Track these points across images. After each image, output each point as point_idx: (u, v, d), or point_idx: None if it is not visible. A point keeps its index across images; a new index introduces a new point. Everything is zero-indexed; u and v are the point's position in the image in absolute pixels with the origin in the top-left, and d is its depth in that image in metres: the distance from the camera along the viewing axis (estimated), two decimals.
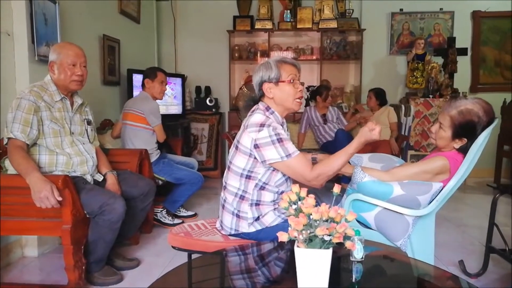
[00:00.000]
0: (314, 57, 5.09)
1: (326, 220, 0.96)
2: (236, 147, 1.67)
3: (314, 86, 4.88)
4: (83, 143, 2.20)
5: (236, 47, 5.15)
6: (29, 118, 1.96)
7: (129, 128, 3.07)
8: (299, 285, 1.00)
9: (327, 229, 0.92)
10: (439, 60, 4.73)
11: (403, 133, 4.37)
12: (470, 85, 5.06)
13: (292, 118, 4.91)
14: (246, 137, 1.61)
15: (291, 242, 1.01)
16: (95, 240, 2.06)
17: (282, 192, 1.71)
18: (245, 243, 1.62)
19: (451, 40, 4.72)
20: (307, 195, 1.03)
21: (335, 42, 5.06)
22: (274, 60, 1.70)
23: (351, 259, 1.34)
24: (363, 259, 1.34)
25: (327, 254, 0.96)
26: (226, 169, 1.75)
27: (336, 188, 1.08)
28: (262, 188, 1.67)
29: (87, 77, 2.19)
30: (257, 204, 1.68)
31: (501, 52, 5.03)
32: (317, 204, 1.01)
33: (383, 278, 1.39)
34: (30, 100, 1.98)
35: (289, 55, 5.10)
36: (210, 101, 5.00)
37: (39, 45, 2.54)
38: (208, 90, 5.11)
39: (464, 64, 4.89)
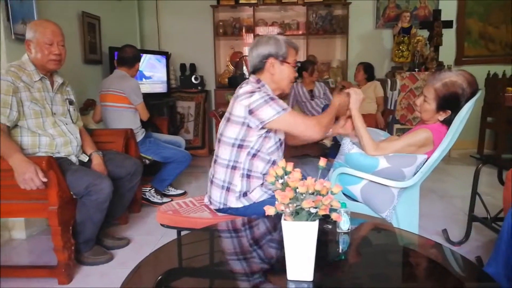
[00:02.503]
0: (300, 32, 5.03)
1: (312, 193, 0.97)
2: (228, 119, 1.68)
3: (300, 62, 4.83)
4: (66, 124, 2.16)
5: (221, 23, 5.05)
6: (8, 100, 1.90)
7: (110, 110, 3.00)
8: (286, 257, 1.02)
9: (313, 201, 0.93)
10: (425, 33, 4.73)
11: (389, 107, 4.39)
12: (455, 58, 5.09)
13: (279, 95, 4.88)
14: (238, 107, 1.62)
15: (279, 216, 1.01)
16: (83, 220, 2.05)
17: (273, 162, 1.73)
18: (232, 218, 1.63)
19: (437, 12, 4.70)
20: (293, 170, 1.03)
21: (321, 17, 5.00)
22: (283, 39, 1.71)
23: (338, 230, 1.36)
24: (349, 231, 1.37)
25: (314, 226, 0.97)
26: (217, 143, 1.76)
27: (322, 162, 1.09)
28: (254, 155, 1.68)
29: (65, 56, 2.13)
30: (248, 176, 1.69)
31: (485, 24, 5.04)
32: (304, 178, 1.02)
33: (369, 248, 1.42)
34: (7, 81, 1.92)
35: (274, 30, 5.03)
36: (196, 78, 4.93)
37: (15, 22, 2.45)
38: (193, 67, 5.03)
39: (449, 37, 4.90)
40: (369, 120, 4.03)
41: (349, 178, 1.87)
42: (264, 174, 1.72)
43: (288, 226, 0.97)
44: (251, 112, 1.59)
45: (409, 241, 1.50)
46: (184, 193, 3.40)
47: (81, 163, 2.20)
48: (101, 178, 2.03)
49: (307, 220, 0.97)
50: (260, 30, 5.03)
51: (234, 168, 1.68)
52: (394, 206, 1.84)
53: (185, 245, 1.39)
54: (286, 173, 1.04)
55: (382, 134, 2.25)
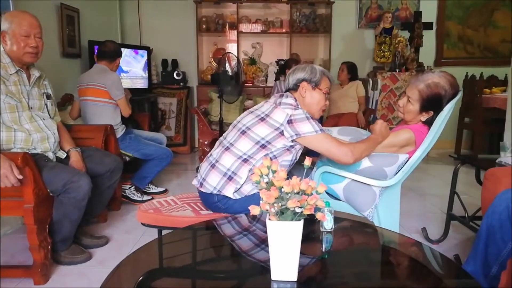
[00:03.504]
0: (284, 30, 5.03)
1: (297, 193, 0.96)
2: (262, 119, 1.70)
3: (284, 60, 4.84)
4: (43, 119, 2.09)
5: (204, 19, 5.00)
6: None
7: (90, 104, 2.92)
8: (271, 257, 1.00)
9: (298, 201, 0.92)
10: (406, 34, 4.80)
11: (370, 106, 4.44)
12: (434, 59, 5.19)
13: (262, 93, 4.88)
14: (279, 112, 1.68)
15: (263, 214, 1.00)
16: (60, 219, 1.99)
17: None
18: (216, 217, 1.61)
19: (418, 14, 4.78)
20: (278, 169, 1.02)
21: (305, 15, 5.01)
22: (319, 69, 1.82)
23: (321, 229, 1.37)
24: (333, 230, 1.37)
25: (299, 226, 0.96)
26: (236, 131, 1.75)
27: (307, 161, 1.08)
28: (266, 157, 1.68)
29: (43, 48, 2.05)
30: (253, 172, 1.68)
31: (464, 27, 5.16)
32: (288, 177, 1.01)
33: (352, 248, 1.43)
34: None
35: (258, 27, 5.02)
36: (178, 74, 4.86)
37: None
38: (175, 63, 4.96)
39: (429, 39, 4.99)
40: (351, 119, 4.08)
41: (332, 177, 1.87)
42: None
43: (273, 226, 0.96)
44: (290, 122, 1.65)
45: (391, 240, 1.52)
46: (165, 191, 3.36)
47: (59, 159, 2.14)
48: (79, 175, 1.97)
49: (292, 220, 0.97)
50: (244, 27, 5.01)
51: (245, 161, 1.68)
52: (376, 205, 1.86)
53: (167, 245, 1.36)
54: (271, 172, 1.03)
55: (364, 133, 2.26)
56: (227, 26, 5.01)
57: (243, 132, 1.71)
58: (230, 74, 3.73)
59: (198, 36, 4.95)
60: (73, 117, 3.08)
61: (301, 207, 0.94)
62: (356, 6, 5.09)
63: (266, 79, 5.05)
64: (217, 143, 1.84)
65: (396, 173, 1.82)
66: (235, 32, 4.95)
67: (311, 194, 0.99)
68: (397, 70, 4.63)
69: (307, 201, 0.92)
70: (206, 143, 4.09)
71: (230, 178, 1.68)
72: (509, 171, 1.73)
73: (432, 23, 4.93)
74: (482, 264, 1.46)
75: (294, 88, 1.82)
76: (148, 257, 1.25)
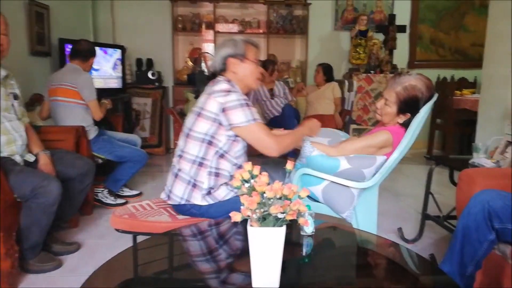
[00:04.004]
0: (261, 31, 5.02)
1: (280, 198, 0.93)
2: (199, 114, 1.65)
3: (261, 61, 4.81)
4: (10, 120, 1.98)
5: (180, 18, 4.92)
6: None
7: (60, 105, 2.81)
8: (252, 264, 0.98)
9: (281, 207, 0.90)
10: (380, 37, 4.87)
11: (346, 107, 4.49)
12: (408, 62, 5.30)
13: (247, 93, 4.83)
14: (212, 102, 1.61)
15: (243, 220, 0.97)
16: (29, 225, 1.90)
17: (240, 166, 1.71)
18: (194, 222, 1.57)
19: (392, 17, 4.87)
20: (260, 173, 0.99)
21: (282, 16, 5.01)
22: (241, 39, 1.75)
23: (302, 233, 1.35)
24: (313, 233, 1.35)
25: (281, 232, 0.94)
26: (183, 137, 1.71)
27: (289, 165, 1.06)
28: (221, 156, 1.66)
29: (9, 46, 1.95)
30: (216, 174, 1.66)
31: (436, 30, 5.30)
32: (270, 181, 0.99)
33: (332, 250, 1.43)
34: None
35: (235, 28, 4.98)
36: (153, 74, 4.76)
37: None
38: (150, 63, 4.86)
39: (402, 41, 5.09)
40: (328, 121, 4.10)
41: (311, 179, 1.87)
42: (231, 175, 1.70)
43: (255, 233, 0.93)
44: (224, 110, 1.59)
45: (370, 242, 1.52)
46: (140, 194, 3.27)
47: (27, 163, 2.04)
48: (48, 180, 1.88)
49: (274, 225, 0.94)
50: (220, 27, 4.96)
51: (201, 164, 1.64)
52: (354, 207, 1.86)
53: (143, 252, 1.30)
54: (252, 176, 1.00)
55: (342, 135, 2.28)
56: (203, 26, 4.94)
57: (188, 135, 1.67)
58: (206, 74, 3.68)
59: (174, 35, 4.87)
60: (42, 117, 2.96)
61: (283, 213, 0.92)
62: (332, 8, 5.14)
63: None
64: (175, 151, 1.80)
65: (374, 175, 1.83)
66: (211, 32, 4.89)
67: (293, 198, 0.96)
68: (372, 71, 4.70)
69: (290, 206, 0.90)
70: None
71: (194, 186, 1.65)
72: (483, 172, 1.77)
73: (405, 26, 5.03)
74: (458, 264, 1.48)
75: (223, 67, 1.74)
76: (123, 265, 1.20)
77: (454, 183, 2.37)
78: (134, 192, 3.25)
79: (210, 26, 4.91)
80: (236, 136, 1.66)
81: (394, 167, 1.87)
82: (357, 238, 1.56)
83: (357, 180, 1.82)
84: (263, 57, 5.04)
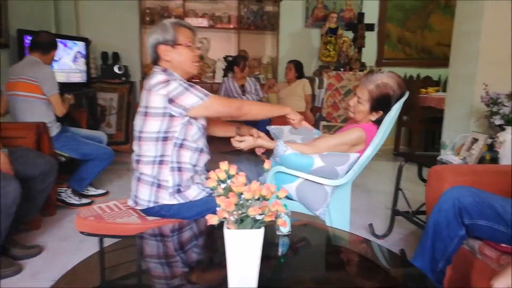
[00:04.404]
0: (232, 26, 4.95)
1: (258, 199, 0.89)
2: (145, 114, 1.55)
3: (232, 56, 4.76)
4: None
5: (148, 11, 4.77)
6: None
7: (20, 100, 2.64)
8: (228, 266, 0.94)
9: (259, 208, 0.86)
10: (350, 35, 4.93)
11: (316, 104, 4.52)
12: (376, 60, 5.40)
13: (210, 89, 4.77)
14: (155, 98, 1.51)
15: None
16: None
17: (201, 150, 1.65)
18: (164, 223, 1.51)
19: (361, 15, 4.94)
20: (237, 173, 0.95)
21: (253, 12, 4.97)
22: (170, 22, 1.61)
23: (278, 233, 1.32)
24: (289, 233, 1.33)
25: (259, 234, 0.90)
26: (136, 141, 1.61)
27: (267, 164, 1.03)
28: (180, 146, 1.58)
29: None
30: (179, 169, 1.59)
31: (403, 29, 5.43)
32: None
33: (308, 249, 1.41)
34: None
35: (204, 22, 4.88)
36: (119, 68, 4.59)
37: None
38: (116, 56, 4.68)
39: (371, 39, 5.18)
40: None
41: (285, 177, 1.84)
42: (193, 165, 1.63)
43: (232, 235, 0.89)
44: (171, 100, 1.50)
45: (344, 240, 1.53)
46: (106, 193, 3.14)
47: None
48: (6, 180, 1.76)
49: (252, 227, 0.90)
50: (189, 21, 4.84)
51: (161, 162, 1.57)
52: (328, 204, 1.86)
53: (111, 256, 1.23)
54: (229, 176, 0.95)
55: (315, 132, 2.27)
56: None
57: (140, 138, 1.58)
58: None
59: (142, 28, 4.72)
60: (0, 113, 2.77)
61: (261, 214, 0.88)
62: (302, 5, 5.15)
63: (214, 75, 4.95)
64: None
65: (347, 172, 1.83)
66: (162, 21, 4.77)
67: (271, 199, 0.93)
68: (341, 69, 4.75)
69: (269, 207, 0.86)
70: None
71: (159, 186, 1.57)
72: (451, 168, 1.81)
73: (373, 24, 5.11)
74: (429, 260, 1.50)
75: (155, 56, 1.62)
76: (90, 271, 1.12)
77: (423, 179, 2.43)
78: (100, 191, 3.12)
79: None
80: (190, 118, 1.57)
81: (366, 164, 1.88)
82: (332, 236, 1.57)
83: (331, 178, 1.81)
84: (233, 52, 4.98)
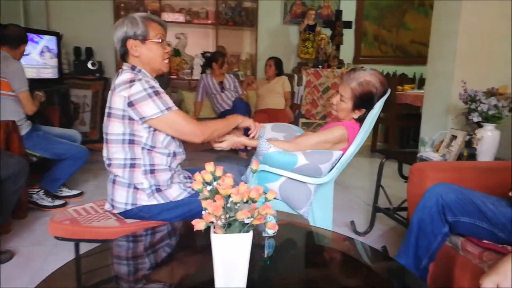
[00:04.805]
0: (209, 22, 4.87)
1: (246, 202, 0.86)
2: (109, 114, 1.47)
3: (210, 52, 4.69)
4: None
5: (122, 5, 4.62)
6: None
7: None
8: (216, 272, 0.90)
9: (248, 211, 0.82)
10: (328, 32, 4.95)
11: (295, 101, 4.51)
12: (353, 57, 5.45)
13: (188, 86, 4.69)
14: (117, 99, 1.43)
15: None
16: None
17: (174, 154, 1.58)
18: (145, 226, 1.45)
19: (338, 13, 4.96)
20: (223, 175, 0.91)
21: (231, 7, 4.90)
22: (140, 16, 1.53)
23: (264, 234, 1.29)
24: (275, 234, 1.30)
25: (248, 237, 0.87)
26: (105, 144, 1.53)
27: (254, 165, 0.99)
28: (150, 151, 1.51)
29: None
30: (152, 171, 1.51)
31: (380, 27, 5.49)
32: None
33: (294, 250, 1.40)
34: None
35: (181, 18, 4.79)
36: (93, 64, 4.44)
37: None
38: (89, 51, 4.52)
39: (348, 37, 5.21)
40: (280, 115, 4.10)
41: (268, 176, 1.81)
42: (170, 166, 1.57)
43: (220, 240, 0.85)
44: (131, 104, 1.41)
45: (328, 239, 1.52)
46: (81, 194, 3.03)
47: None
48: None
49: (240, 231, 0.86)
50: (165, 16, 4.73)
51: (133, 166, 1.49)
52: (311, 202, 1.84)
53: (89, 262, 1.17)
54: (215, 178, 0.91)
55: (297, 129, 2.25)
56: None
57: (107, 141, 1.51)
58: None
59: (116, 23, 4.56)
60: None
61: (250, 217, 0.85)
62: (281, 1, 5.12)
63: (192, 71, 4.86)
64: None
65: (330, 170, 1.82)
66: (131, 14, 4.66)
67: (259, 201, 0.90)
68: (320, 66, 4.76)
69: (259, 211, 0.83)
70: None
71: (135, 188, 1.51)
72: (433, 165, 1.82)
73: (351, 22, 5.15)
74: (413, 257, 1.50)
75: (123, 51, 1.53)
76: (66, 280, 1.06)
77: (403, 176, 2.45)
78: (74, 192, 3.00)
79: (156, 15, 4.66)
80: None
81: (349, 162, 1.87)
82: (316, 235, 1.56)
83: (314, 176, 1.80)
84: (211, 49, 4.91)
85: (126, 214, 1.54)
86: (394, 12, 5.43)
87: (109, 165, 1.53)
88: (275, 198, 1.81)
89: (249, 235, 0.87)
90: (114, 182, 1.53)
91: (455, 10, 2.36)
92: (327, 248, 1.45)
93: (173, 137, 1.56)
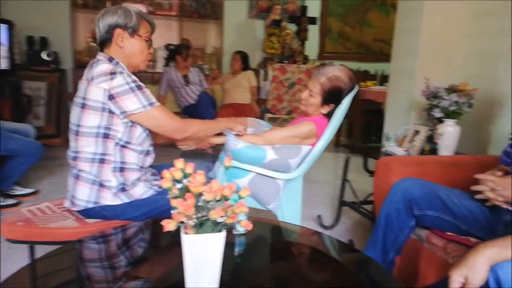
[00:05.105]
0: (173, 13, 4.73)
1: (219, 200, 0.82)
2: (83, 106, 1.39)
3: (173, 45, 4.56)
4: None
5: None
6: None
7: None
8: (186, 274, 0.85)
9: (222, 210, 0.78)
10: (293, 28, 4.96)
11: (261, 97, 4.50)
12: (318, 53, 5.50)
13: (151, 79, 4.53)
14: (95, 90, 1.36)
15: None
16: None
17: (147, 153, 1.53)
18: (106, 226, 1.37)
19: (304, 8, 4.98)
20: (195, 172, 0.86)
21: None
22: (134, 10, 1.50)
23: (234, 232, 1.25)
24: (246, 231, 1.27)
25: (221, 237, 0.83)
26: (72, 136, 1.45)
27: (227, 161, 0.95)
28: (124, 147, 1.44)
29: None
30: (122, 169, 1.44)
31: (343, 24, 5.57)
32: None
33: (264, 247, 1.38)
34: None
35: (142, 8, 4.60)
36: (48, 55, 4.18)
37: None
38: (44, 41, 4.26)
39: (313, 33, 5.25)
40: (246, 110, 4.07)
41: (236, 172, 1.78)
42: (141, 167, 1.51)
43: (191, 241, 0.81)
44: (112, 97, 1.35)
45: (298, 234, 1.53)
46: (35, 192, 2.84)
47: None
48: None
49: (212, 231, 0.82)
50: (128, 6, 4.54)
51: (102, 161, 1.42)
52: (280, 198, 1.83)
53: (46, 266, 1.08)
54: (185, 175, 0.86)
55: (265, 124, 2.23)
56: (108, 4, 4.49)
57: (77, 133, 1.42)
58: None
59: (74, 12, 4.34)
60: None
61: (223, 216, 0.81)
62: None
63: (155, 64, 4.71)
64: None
65: (299, 165, 1.81)
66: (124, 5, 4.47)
67: (231, 198, 0.86)
68: (285, 61, 4.76)
69: (233, 209, 0.79)
70: None
71: (101, 185, 1.43)
72: (399, 160, 1.86)
73: (316, 18, 5.19)
74: (381, 251, 1.52)
75: (107, 37, 1.47)
76: (22, 285, 0.97)
77: (368, 170, 2.50)
78: (28, 191, 2.81)
79: (116, 4, 4.47)
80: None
81: (318, 157, 1.88)
82: (285, 231, 1.55)
83: (283, 171, 1.79)
84: (175, 41, 4.78)
85: (87, 212, 1.45)
86: (358, 10, 5.53)
87: (75, 158, 1.44)
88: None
89: (222, 235, 0.83)
90: (77, 177, 1.44)
91: (417, 8, 2.42)
92: (296, 244, 1.45)
93: (148, 135, 1.52)
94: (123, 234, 1.27)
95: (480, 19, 2.35)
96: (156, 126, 1.45)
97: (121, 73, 1.38)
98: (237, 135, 1.75)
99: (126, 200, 1.45)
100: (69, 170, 1.48)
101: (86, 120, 1.39)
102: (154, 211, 1.45)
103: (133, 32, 1.47)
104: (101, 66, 1.39)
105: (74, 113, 1.43)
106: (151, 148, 1.56)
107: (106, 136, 1.40)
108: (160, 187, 1.51)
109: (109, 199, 1.42)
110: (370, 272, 1.25)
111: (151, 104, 1.39)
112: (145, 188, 1.49)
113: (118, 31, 1.45)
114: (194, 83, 4.13)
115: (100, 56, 1.47)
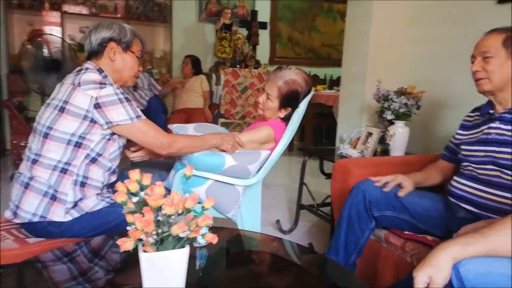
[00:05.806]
0: (119, 15, 4.54)
1: (181, 213, 0.75)
2: (62, 109, 1.32)
3: None
4: None
5: None
6: None
7: None
8: None
9: (185, 224, 0.72)
10: (244, 32, 4.95)
11: (214, 101, 4.43)
12: (269, 58, 5.53)
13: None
14: (80, 96, 1.32)
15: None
16: None
17: (114, 172, 1.48)
18: (51, 246, 1.24)
19: (254, 13, 4.98)
20: (153, 183, 0.79)
21: (142, 1, 4.63)
22: (128, 27, 1.54)
23: (195, 245, 1.18)
24: (207, 243, 1.20)
25: (184, 253, 0.76)
26: (39, 137, 1.35)
27: (188, 170, 0.88)
28: (93, 160, 1.38)
29: None
30: (83, 184, 1.36)
31: (293, 29, 5.66)
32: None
33: (225, 257, 1.33)
34: None
35: (84, 10, 4.39)
36: None
37: None
38: None
39: (264, 38, 5.27)
40: (198, 115, 3.99)
41: (193, 180, 1.70)
42: (104, 184, 1.44)
43: (151, 259, 0.73)
44: (98, 106, 1.32)
45: (258, 241, 1.50)
46: None
47: None
48: None
49: (174, 247, 0.76)
50: (67, 7, 4.30)
51: (64, 171, 1.33)
52: (239, 205, 1.78)
53: None
54: (142, 188, 0.79)
55: (222, 130, 2.17)
56: (47, 5, 4.20)
57: (47, 135, 1.33)
58: (51, 60, 3.11)
59: (8, 13, 4.02)
60: None
61: (186, 231, 0.74)
62: None
63: None
64: (24, 155, 1.43)
65: (258, 170, 1.78)
66: (58, 13, 4.21)
67: (193, 210, 0.80)
68: (237, 66, 4.74)
69: (197, 223, 0.73)
70: (22, 144, 3.33)
71: (53, 198, 1.32)
72: (355, 162, 1.88)
73: (266, 23, 5.21)
74: (343, 253, 1.53)
75: (99, 49, 1.47)
76: None
77: (324, 173, 2.52)
78: None
79: (56, 6, 4.21)
80: (112, 134, 1.40)
81: (276, 161, 1.85)
82: (245, 239, 1.51)
83: (242, 177, 1.74)
84: None
85: (30, 226, 1.32)
86: (306, 16, 5.65)
87: (35, 161, 1.32)
88: (199, 203, 1.73)
89: (185, 251, 0.76)
90: (26, 186, 1.31)
91: (366, 12, 2.49)
92: (258, 252, 1.42)
93: (120, 154, 1.51)
94: (72, 254, 1.15)
95: (417, 25, 2.47)
96: (140, 139, 1.44)
97: (111, 84, 1.38)
98: (223, 151, 1.68)
99: (76, 215, 1.34)
100: (5, 185, 1.34)
101: (61, 125, 1.32)
102: (105, 225, 1.35)
103: (126, 47, 1.49)
104: (91, 74, 1.37)
105: (47, 115, 1.35)
106: (117, 168, 1.52)
107: (78, 145, 1.34)
108: (112, 199, 1.41)
109: (60, 215, 1.31)
110: (334, 275, 1.24)
111: (138, 117, 1.38)
112: (96, 201, 1.39)
113: (112, 44, 1.47)
114: (142, 88, 3.98)
115: (90, 65, 1.45)
